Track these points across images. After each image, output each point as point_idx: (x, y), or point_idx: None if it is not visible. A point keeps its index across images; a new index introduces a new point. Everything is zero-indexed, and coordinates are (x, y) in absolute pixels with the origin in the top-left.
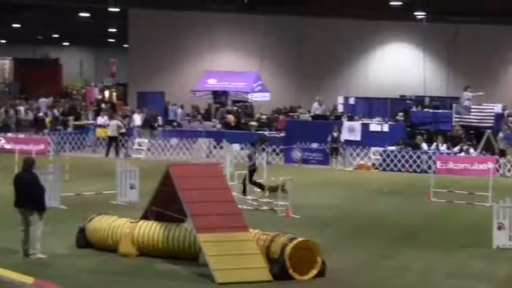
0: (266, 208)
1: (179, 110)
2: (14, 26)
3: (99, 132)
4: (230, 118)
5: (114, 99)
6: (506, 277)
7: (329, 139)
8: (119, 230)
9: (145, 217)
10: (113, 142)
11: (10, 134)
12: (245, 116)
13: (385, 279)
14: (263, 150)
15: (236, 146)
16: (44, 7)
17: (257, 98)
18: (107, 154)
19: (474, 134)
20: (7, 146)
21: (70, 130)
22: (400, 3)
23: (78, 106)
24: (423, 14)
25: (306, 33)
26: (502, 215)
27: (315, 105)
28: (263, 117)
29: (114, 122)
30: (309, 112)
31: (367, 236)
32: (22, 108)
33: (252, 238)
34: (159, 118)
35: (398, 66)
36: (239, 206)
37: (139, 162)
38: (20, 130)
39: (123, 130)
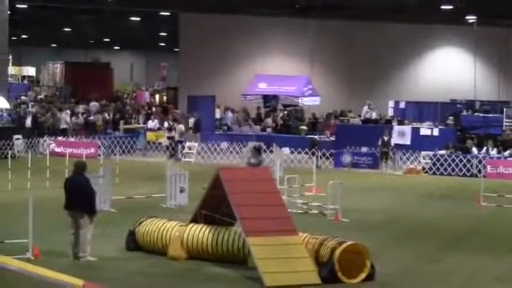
0: (315, 212)
1: (229, 114)
2: (66, 30)
3: (150, 136)
4: (268, 121)
5: (165, 103)
6: None
7: (379, 143)
8: (168, 233)
9: (194, 220)
10: (178, 145)
11: (60, 138)
12: (295, 120)
13: (433, 283)
14: (313, 153)
15: (286, 150)
16: (95, 12)
17: (307, 102)
18: (174, 157)
19: None
20: (58, 150)
21: (120, 133)
22: (451, 7)
23: (130, 109)
24: (474, 17)
25: (356, 37)
26: None
27: (365, 109)
28: (312, 121)
29: (180, 126)
30: (359, 116)
31: (416, 240)
32: (68, 112)
33: (301, 241)
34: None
35: (449, 70)
36: (289, 210)
37: (189, 166)
38: (71, 134)
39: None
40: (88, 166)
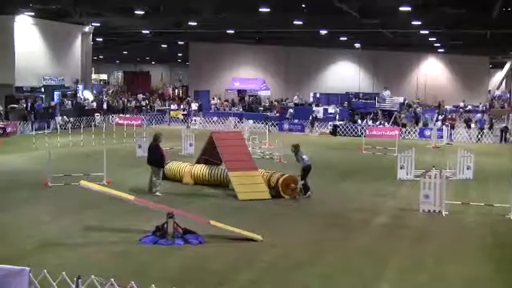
0: (267, 157)
1: (217, 100)
2: (124, 52)
3: (172, 113)
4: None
5: (181, 94)
6: (405, 194)
7: (310, 118)
8: (183, 169)
9: (198, 162)
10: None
11: (121, 115)
12: (255, 104)
13: (335, 196)
14: (267, 123)
15: (251, 122)
16: (141, 41)
17: (262, 93)
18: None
19: (387, 114)
20: (120, 122)
21: (155, 112)
22: (345, 38)
23: (160, 98)
24: (359, 44)
25: (292, 56)
26: (402, 160)
27: (295, 97)
28: (266, 104)
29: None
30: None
31: (325, 172)
32: (125, 99)
33: (259, 174)
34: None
35: (345, 74)
36: (252, 156)
37: (195, 131)
38: (127, 113)
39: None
40: (136, 131)
